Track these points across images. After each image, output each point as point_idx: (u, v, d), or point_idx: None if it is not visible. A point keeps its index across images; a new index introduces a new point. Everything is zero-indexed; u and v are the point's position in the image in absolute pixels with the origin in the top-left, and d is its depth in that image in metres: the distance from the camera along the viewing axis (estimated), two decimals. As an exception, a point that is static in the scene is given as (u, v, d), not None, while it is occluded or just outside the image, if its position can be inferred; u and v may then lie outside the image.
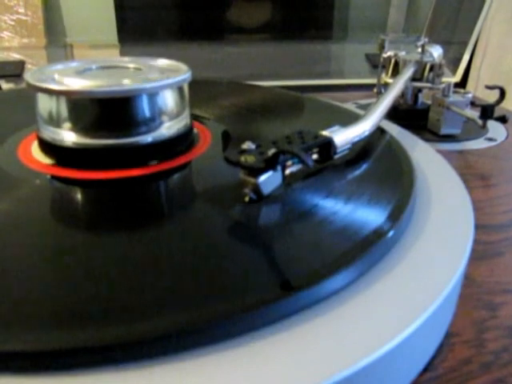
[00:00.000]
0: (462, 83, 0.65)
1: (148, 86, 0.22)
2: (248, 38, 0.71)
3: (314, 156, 0.22)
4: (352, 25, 0.73)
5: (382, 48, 0.41)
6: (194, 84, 0.25)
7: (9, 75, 0.52)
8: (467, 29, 0.63)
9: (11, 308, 0.13)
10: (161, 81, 0.22)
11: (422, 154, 0.26)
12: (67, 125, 0.23)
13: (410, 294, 0.15)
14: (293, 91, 0.36)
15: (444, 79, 0.41)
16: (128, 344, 0.12)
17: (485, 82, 0.72)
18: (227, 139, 0.26)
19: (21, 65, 0.55)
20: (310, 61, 0.66)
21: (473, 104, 0.35)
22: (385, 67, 0.42)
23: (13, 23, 0.65)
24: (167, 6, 0.71)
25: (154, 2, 0.70)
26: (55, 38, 0.68)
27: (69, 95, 0.22)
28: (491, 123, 0.38)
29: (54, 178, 0.22)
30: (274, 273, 0.15)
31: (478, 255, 0.22)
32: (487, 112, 0.33)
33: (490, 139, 0.37)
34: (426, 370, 0.16)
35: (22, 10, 0.65)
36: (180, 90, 0.24)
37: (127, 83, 0.22)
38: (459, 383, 0.15)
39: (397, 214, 0.18)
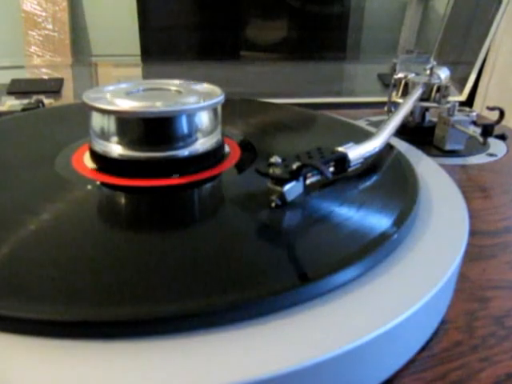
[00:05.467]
0: (470, 101, 0.67)
1: (187, 108, 0.26)
2: (264, 57, 0.74)
3: (331, 169, 0.25)
4: (365, 45, 0.76)
5: (393, 70, 0.44)
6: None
7: (49, 91, 0.56)
8: (476, 49, 0.66)
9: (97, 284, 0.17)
10: (199, 103, 0.26)
11: (427, 168, 0.29)
12: (116, 139, 0.26)
13: (411, 284, 0.18)
14: (308, 109, 0.40)
15: (451, 98, 0.44)
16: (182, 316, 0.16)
17: (492, 99, 0.75)
18: (253, 153, 0.30)
19: (60, 82, 0.59)
20: (324, 80, 0.69)
21: (475, 123, 0.38)
22: (395, 86, 0.45)
23: (41, 38, 0.68)
24: (187, 27, 0.74)
25: (175, 24, 0.73)
26: (81, 56, 0.72)
27: (119, 115, 0.25)
28: (493, 140, 0.41)
29: (102, 183, 0.25)
30: (301, 265, 0.18)
31: (473, 257, 0.25)
32: (487, 130, 0.36)
33: (491, 155, 0.40)
34: (423, 349, 0.19)
35: (49, 26, 0.68)
36: (214, 110, 0.27)
37: (169, 105, 0.26)
38: (451, 361, 0.18)
39: (401, 220, 0.21)
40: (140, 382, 0.14)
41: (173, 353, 0.15)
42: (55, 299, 0.16)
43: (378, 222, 0.21)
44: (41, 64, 0.68)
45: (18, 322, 0.15)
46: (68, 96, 0.59)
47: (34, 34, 0.68)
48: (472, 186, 0.34)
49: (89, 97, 0.26)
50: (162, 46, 0.73)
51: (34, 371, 0.14)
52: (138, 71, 0.75)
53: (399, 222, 0.21)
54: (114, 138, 0.26)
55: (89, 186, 0.25)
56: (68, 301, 0.16)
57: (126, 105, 0.26)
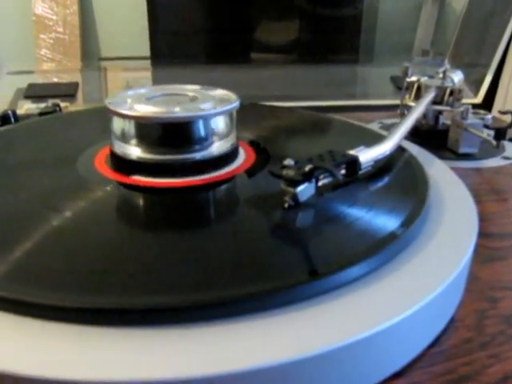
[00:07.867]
0: (489, 103, 0.66)
1: (204, 113, 0.27)
2: (276, 60, 0.75)
3: (342, 171, 0.26)
4: (378, 48, 0.76)
5: (405, 74, 0.44)
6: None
7: (64, 95, 0.57)
8: (492, 51, 0.66)
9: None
10: (215, 109, 0.27)
11: (438, 171, 0.30)
12: (136, 142, 0.27)
13: (419, 282, 0.19)
14: (321, 112, 0.40)
15: (466, 101, 0.44)
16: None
17: (513, 102, 0.74)
18: (267, 156, 0.31)
19: (75, 86, 0.61)
20: (336, 83, 0.69)
21: (487, 127, 0.38)
22: (408, 89, 0.45)
23: (51, 42, 0.70)
24: (198, 30, 0.74)
25: (186, 27, 0.73)
26: (91, 59, 0.73)
27: (140, 120, 0.27)
28: (510, 144, 0.41)
29: (122, 184, 0.26)
30: (314, 261, 0.20)
31: (484, 259, 0.25)
32: (500, 133, 0.36)
33: (507, 158, 0.40)
34: (432, 345, 0.19)
35: (60, 29, 0.70)
36: (229, 115, 0.28)
37: (187, 110, 0.27)
38: (460, 356, 0.19)
39: (410, 221, 0.22)
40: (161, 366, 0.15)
41: (199, 338, 0.16)
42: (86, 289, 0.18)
43: (388, 222, 0.22)
44: (51, 67, 0.70)
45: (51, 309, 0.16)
46: (79, 99, 0.60)
47: (45, 37, 0.70)
48: (486, 190, 0.35)
49: (111, 102, 0.28)
50: (172, 49, 0.74)
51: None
52: (147, 75, 0.76)
53: (408, 223, 0.22)
54: (134, 141, 0.27)
55: (109, 186, 0.26)
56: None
57: (146, 110, 0.27)
